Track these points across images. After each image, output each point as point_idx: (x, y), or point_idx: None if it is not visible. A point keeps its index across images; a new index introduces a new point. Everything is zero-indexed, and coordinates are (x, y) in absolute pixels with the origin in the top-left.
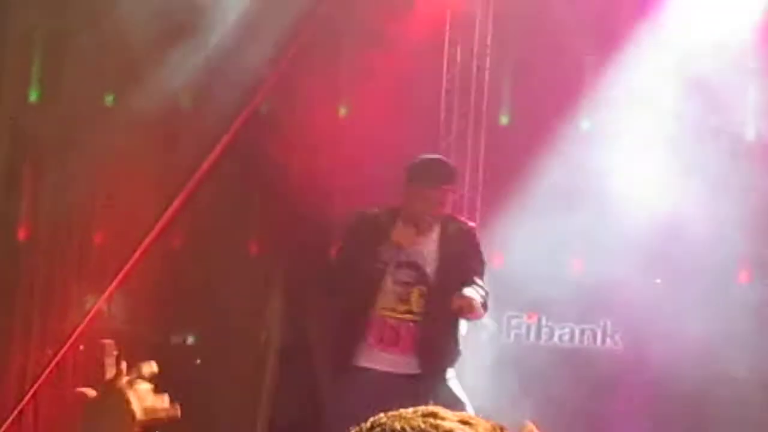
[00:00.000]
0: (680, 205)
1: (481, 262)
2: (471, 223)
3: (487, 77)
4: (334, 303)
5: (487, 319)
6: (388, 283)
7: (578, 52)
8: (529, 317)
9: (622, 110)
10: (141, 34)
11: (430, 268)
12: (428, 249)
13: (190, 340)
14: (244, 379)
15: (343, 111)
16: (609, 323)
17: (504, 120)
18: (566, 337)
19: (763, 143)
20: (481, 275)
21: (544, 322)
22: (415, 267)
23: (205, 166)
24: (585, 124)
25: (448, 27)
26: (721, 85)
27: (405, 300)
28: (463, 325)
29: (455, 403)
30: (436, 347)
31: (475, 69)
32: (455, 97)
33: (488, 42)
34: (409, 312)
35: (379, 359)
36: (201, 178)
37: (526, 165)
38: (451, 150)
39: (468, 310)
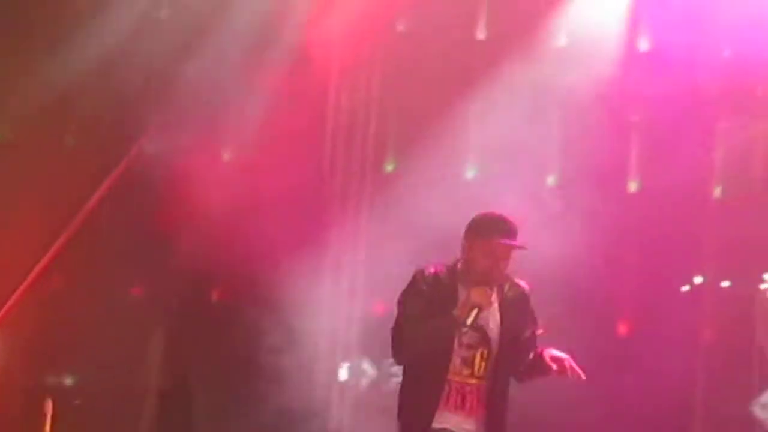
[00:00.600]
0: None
1: (536, 325)
2: (525, 285)
3: (372, 125)
4: (409, 367)
5: (366, 365)
6: (455, 346)
7: (463, 101)
8: None
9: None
10: None
11: (491, 332)
12: (489, 311)
13: (69, 381)
14: (123, 420)
15: (226, 156)
16: None
17: (389, 167)
18: None
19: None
20: (534, 336)
21: None
22: (478, 329)
23: (87, 207)
24: (470, 173)
25: (335, 75)
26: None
27: (469, 363)
28: (343, 372)
29: None
30: (498, 409)
31: (361, 116)
32: (340, 144)
33: (374, 91)
34: (472, 375)
35: (449, 420)
36: (83, 219)
37: (411, 211)
38: (335, 195)
39: (561, 371)
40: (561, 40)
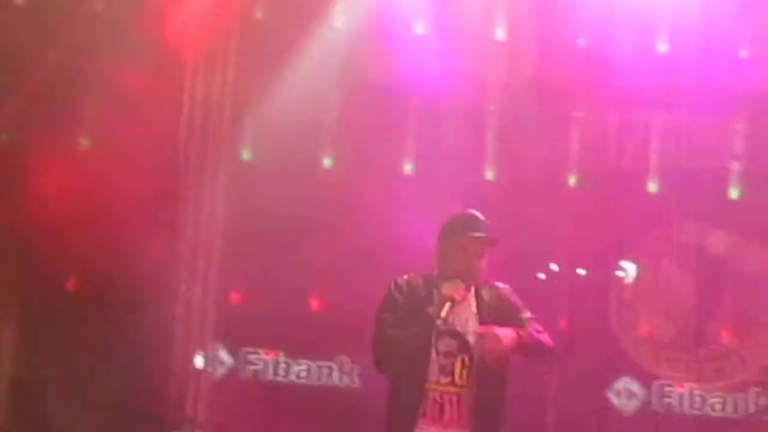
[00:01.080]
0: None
1: (522, 312)
2: (504, 285)
3: (228, 113)
4: (391, 378)
5: (223, 354)
6: (432, 354)
7: (321, 89)
8: (267, 353)
9: (365, 144)
10: None
11: (471, 337)
12: (467, 316)
13: None
14: None
15: (81, 146)
16: (346, 360)
17: (246, 155)
18: (303, 374)
19: None
20: (528, 320)
21: (281, 358)
22: (456, 335)
23: None
24: (327, 161)
25: (190, 63)
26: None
27: (449, 371)
28: (199, 360)
29: None
30: (488, 422)
31: (216, 105)
32: (196, 133)
33: (229, 78)
34: (452, 384)
35: None
36: None
37: (268, 200)
38: (191, 184)
39: (493, 345)
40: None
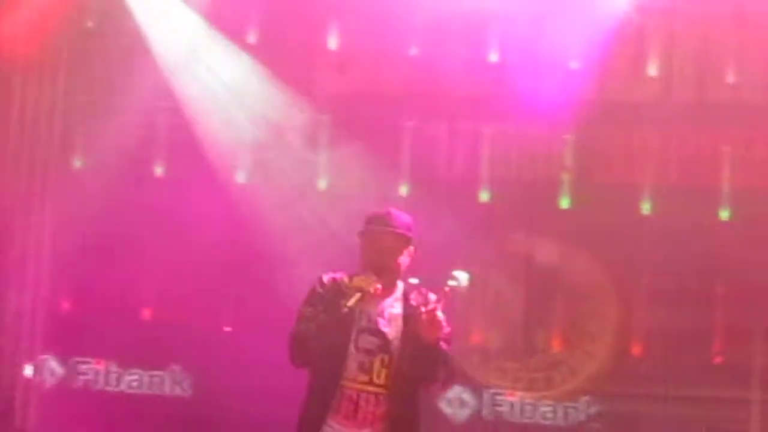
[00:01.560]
0: (251, 249)
1: (448, 332)
2: (432, 294)
3: (59, 121)
4: (308, 373)
5: (53, 363)
6: (351, 350)
7: (151, 98)
8: (98, 363)
9: (197, 153)
10: None
11: (395, 339)
12: (391, 315)
13: None
14: None
15: None
16: (178, 369)
17: (77, 163)
18: (135, 383)
19: None
20: (447, 343)
21: (112, 368)
22: (377, 333)
23: None
24: (158, 170)
25: (20, 72)
26: None
27: (367, 369)
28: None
29: None
30: (397, 423)
31: (46, 113)
32: (27, 140)
33: (60, 87)
34: (370, 382)
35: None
36: None
37: (99, 209)
38: (21, 192)
39: (430, 324)
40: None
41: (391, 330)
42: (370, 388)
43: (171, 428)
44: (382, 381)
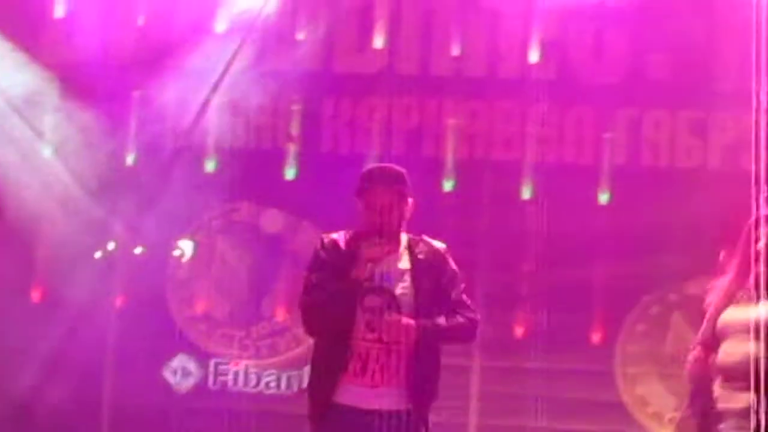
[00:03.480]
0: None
1: (457, 283)
2: (441, 244)
3: None
4: (316, 339)
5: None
6: (357, 311)
7: None
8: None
9: None
10: None
11: (401, 292)
12: (398, 270)
13: None
14: None
15: None
16: None
17: None
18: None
19: None
20: (459, 295)
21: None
22: (382, 292)
23: None
24: None
25: None
26: None
27: (374, 327)
28: None
29: None
30: (418, 379)
31: None
32: None
33: None
34: (379, 341)
35: (351, 392)
36: None
37: None
38: None
39: (397, 332)
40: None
41: (400, 285)
42: (379, 345)
43: None
44: (391, 338)
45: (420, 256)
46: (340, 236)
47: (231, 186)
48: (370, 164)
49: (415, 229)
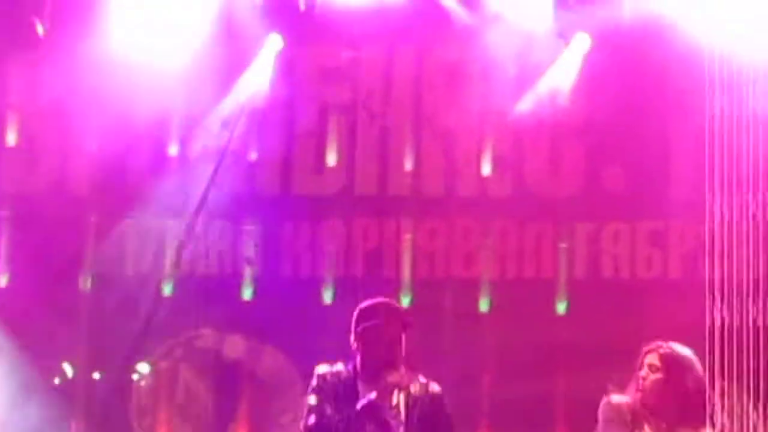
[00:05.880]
0: None
1: (449, 428)
2: (437, 386)
3: None
4: None
5: None
6: None
7: None
8: None
9: None
10: None
11: (396, 425)
12: (394, 409)
13: None
14: None
15: None
16: None
17: None
18: None
19: None
20: None
21: None
22: (382, 424)
23: None
24: None
25: None
26: None
27: None
28: None
29: None
30: None
31: None
32: None
33: None
34: None
35: None
36: None
37: None
38: None
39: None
40: None
41: (396, 419)
42: None
43: None
44: None
45: (416, 395)
46: (338, 369)
47: (191, 311)
48: (366, 302)
49: None
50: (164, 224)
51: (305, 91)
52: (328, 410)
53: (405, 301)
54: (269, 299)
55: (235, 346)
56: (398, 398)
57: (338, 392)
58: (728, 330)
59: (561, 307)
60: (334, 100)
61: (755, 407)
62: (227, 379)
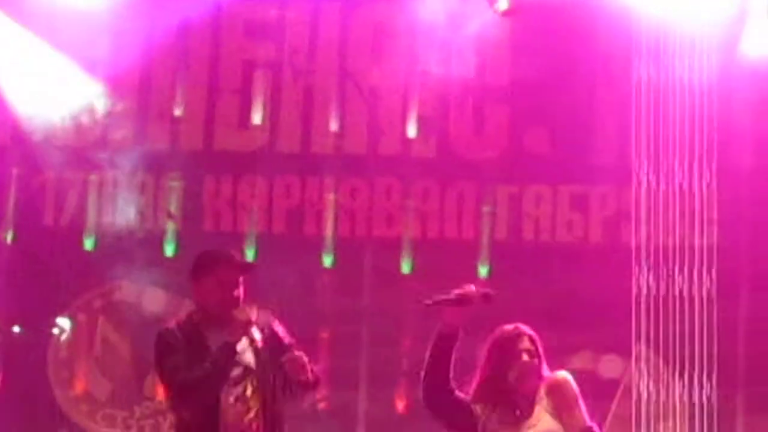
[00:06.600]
0: None
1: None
2: (272, 315)
3: None
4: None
5: None
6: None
7: None
8: None
9: None
10: None
11: (249, 360)
12: (253, 344)
13: None
14: None
15: None
16: None
17: None
18: None
19: None
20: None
21: None
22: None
23: None
24: None
25: None
26: None
27: (242, 398)
28: None
29: None
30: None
31: None
32: None
33: None
34: (248, 411)
35: None
36: None
37: None
38: None
39: (297, 367)
40: None
41: (245, 358)
42: (251, 416)
43: None
44: (256, 403)
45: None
46: (179, 323)
47: (111, 265)
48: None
49: (299, 306)
50: (86, 178)
51: (231, 47)
52: (192, 363)
53: (327, 261)
54: (190, 254)
55: (153, 300)
56: (252, 334)
57: (189, 345)
58: (654, 299)
59: (483, 271)
60: (259, 57)
61: (680, 375)
62: (146, 333)
